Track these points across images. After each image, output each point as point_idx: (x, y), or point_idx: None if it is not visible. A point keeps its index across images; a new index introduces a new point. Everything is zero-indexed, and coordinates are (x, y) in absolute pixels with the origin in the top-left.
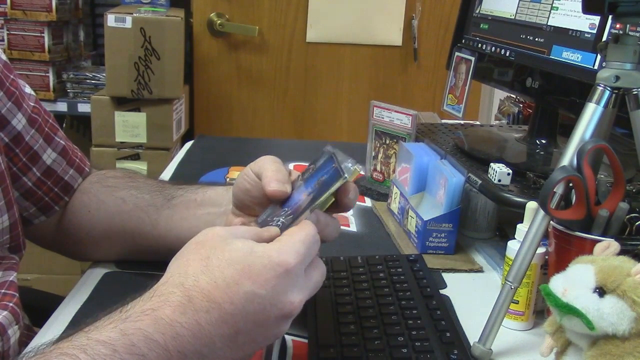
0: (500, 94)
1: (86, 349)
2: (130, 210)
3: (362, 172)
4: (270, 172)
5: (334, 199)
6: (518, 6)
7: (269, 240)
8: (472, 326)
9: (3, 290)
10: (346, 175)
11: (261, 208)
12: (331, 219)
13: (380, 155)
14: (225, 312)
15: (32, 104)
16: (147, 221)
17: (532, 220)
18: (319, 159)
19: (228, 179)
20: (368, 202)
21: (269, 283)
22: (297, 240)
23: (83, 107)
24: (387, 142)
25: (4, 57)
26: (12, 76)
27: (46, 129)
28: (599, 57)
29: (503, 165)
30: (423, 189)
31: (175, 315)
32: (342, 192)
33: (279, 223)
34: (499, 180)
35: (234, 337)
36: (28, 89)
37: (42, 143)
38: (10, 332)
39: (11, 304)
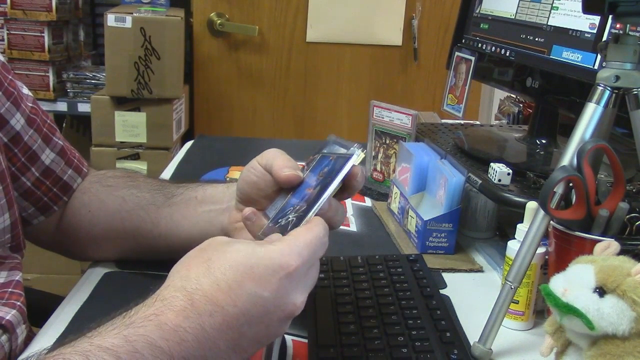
0: (500, 94)
1: (89, 355)
2: (131, 209)
3: (364, 153)
4: (280, 160)
5: (341, 184)
6: (518, 6)
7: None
8: (472, 326)
9: (10, 289)
10: (355, 157)
11: (267, 201)
12: (340, 204)
13: (380, 155)
14: (228, 314)
15: (30, 105)
16: (148, 220)
17: (532, 220)
18: (323, 148)
19: (228, 179)
20: (368, 202)
21: (272, 285)
22: (301, 242)
23: (83, 107)
24: (387, 142)
25: (1, 58)
26: (10, 76)
27: (44, 129)
28: (599, 57)
29: (503, 165)
30: (423, 188)
31: (178, 320)
32: (350, 176)
33: (292, 217)
34: (499, 180)
35: (237, 340)
36: (25, 90)
37: (41, 143)
38: (19, 330)
39: (18, 303)
